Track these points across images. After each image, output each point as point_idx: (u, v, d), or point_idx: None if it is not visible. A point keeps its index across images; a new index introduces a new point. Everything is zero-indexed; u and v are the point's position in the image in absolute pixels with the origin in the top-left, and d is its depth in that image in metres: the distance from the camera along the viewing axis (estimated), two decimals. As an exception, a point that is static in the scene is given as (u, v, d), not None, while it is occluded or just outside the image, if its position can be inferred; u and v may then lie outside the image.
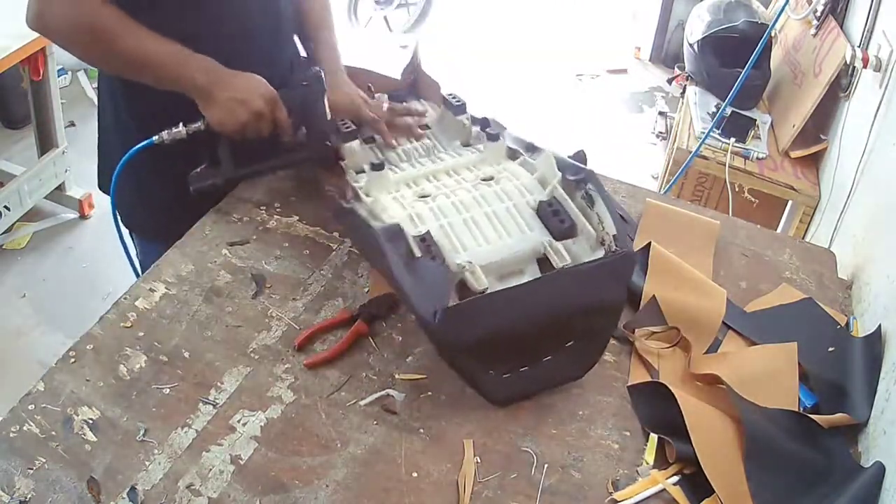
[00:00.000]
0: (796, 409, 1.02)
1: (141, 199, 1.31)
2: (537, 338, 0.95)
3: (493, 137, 1.19)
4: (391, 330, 1.06)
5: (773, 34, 2.39)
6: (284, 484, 0.86)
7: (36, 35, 1.34)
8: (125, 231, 1.32)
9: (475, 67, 3.97)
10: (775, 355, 1.09)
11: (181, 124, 1.13)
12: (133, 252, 1.34)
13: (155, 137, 1.13)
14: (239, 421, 0.92)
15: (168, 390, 0.94)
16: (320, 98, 1.16)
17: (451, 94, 1.27)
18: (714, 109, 2.29)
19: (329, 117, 1.18)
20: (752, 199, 2.16)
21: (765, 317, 1.19)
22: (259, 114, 1.12)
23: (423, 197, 1.08)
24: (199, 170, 1.16)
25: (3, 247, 2.54)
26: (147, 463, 0.86)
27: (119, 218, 1.31)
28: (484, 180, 1.11)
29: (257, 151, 1.19)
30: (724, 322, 1.14)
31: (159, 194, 1.30)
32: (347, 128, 1.20)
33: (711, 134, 2.21)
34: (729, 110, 2.24)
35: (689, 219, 1.36)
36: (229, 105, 1.11)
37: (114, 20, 1.06)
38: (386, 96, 1.34)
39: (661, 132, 3.46)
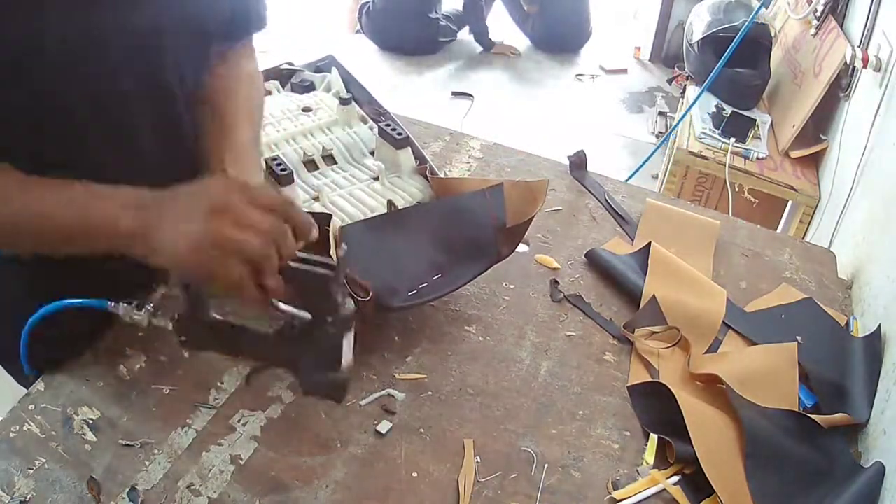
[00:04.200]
0: (796, 409, 1.02)
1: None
2: (423, 256, 1.07)
3: (346, 101, 1.30)
4: (391, 330, 1.06)
5: (772, 34, 2.39)
6: (284, 484, 0.86)
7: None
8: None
9: (474, 67, 3.98)
10: (775, 355, 1.09)
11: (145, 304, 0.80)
12: None
13: (110, 303, 0.78)
14: (239, 421, 0.92)
15: (168, 390, 0.94)
16: (339, 338, 0.74)
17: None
18: (714, 109, 2.30)
19: (345, 364, 0.75)
20: (752, 199, 2.17)
21: (765, 317, 1.19)
22: (245, 219, 0.65)
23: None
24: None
25: (3, 247, 2.54)
26: (147, 463, 0.86)
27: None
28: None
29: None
30: (724, 322, 1.14)
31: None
32: (283, 170, 1.09)
33: (712, 134, 2.21)
34: (729, 110, 2.25)
35: (689, 219, 1.36)
36: (181, 241, 0.66)
37: None
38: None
39: (661, 132, 3.46)
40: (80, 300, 0.81)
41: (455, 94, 3.70)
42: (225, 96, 0.92)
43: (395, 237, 1.06)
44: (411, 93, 3.66)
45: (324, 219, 0.99)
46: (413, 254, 1.05)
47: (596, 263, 1.23)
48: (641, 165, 2.63)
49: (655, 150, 2.61)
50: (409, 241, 1.07)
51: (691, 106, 2.26)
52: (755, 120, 2.25)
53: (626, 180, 1.66)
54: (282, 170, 1.10)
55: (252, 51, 1.01)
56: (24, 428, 0.87)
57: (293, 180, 1.11)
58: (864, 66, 1.81)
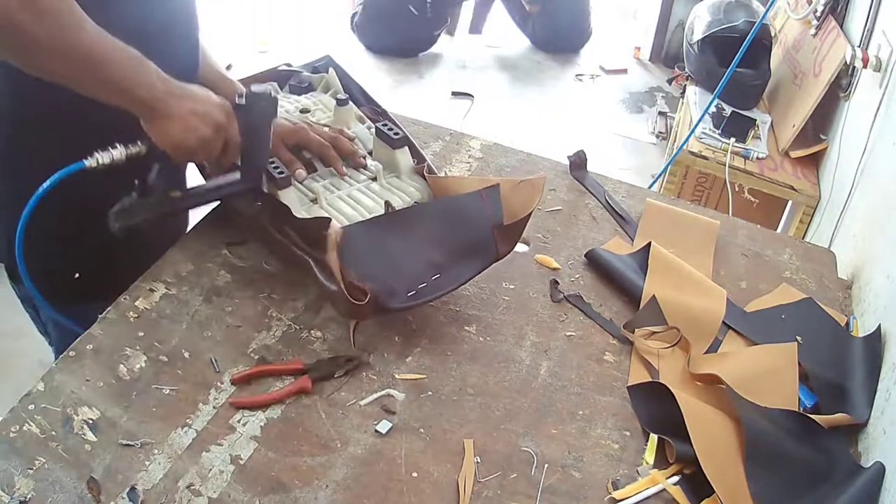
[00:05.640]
0: (796, 410, 1.02)
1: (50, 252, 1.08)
2: (422, 257, 1.07)
3: (342, 102, 1.30)
4: (391, 330, 1.06)
5: (772, 34, 2.39)
6: (284, 484, 0.86)
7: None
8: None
9: (475, 67, 3.98)
10: (775, 355, 1.09)
11: (118, 145, 0.94)
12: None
13: (86, 160, 0.93)
14: (239, 421, 0.92)
15: (168, 390, 0.94)
16: (268, 122, 1.04)
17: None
18: (714, 109, 2.30)
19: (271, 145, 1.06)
20: (752, 199, 2.17)
21: (765, 317, 1.19)
22: (219, 128, 0.97)
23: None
24: (122, 204, 0.97)
25: (3, 247, 2.54)
26: (147, 463, 0.86)
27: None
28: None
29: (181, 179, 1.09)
30: (724, 322, 1.14)
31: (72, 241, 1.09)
32: (281, 173, 1.09)
33: (712, 134, 2.21)
34: (729, 110, 2.25)
35: (689, 219, 1.36)
36: (189, 119, 0.93)
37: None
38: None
39: (660, 132, 3.47)
40: (57, 174, 0.94)
41: (455, 94, 3.70)
42: None
43: (392, 238, 1.06)
44: (411, 93, 3.66)
45: (322, 223, 0.99)
46: (411, 254, 1.05)
47: (596, 263, 1.23)
48: (661, 174, 2.60)
49: (675, 156, 2.49)
50: (407, 241, 1.07)
51: (704, 113, 2.24)
52: (755, 120, 2.25)
53: (657, 188, 1.61)
54: (279, 172, 1.09)
55: None
56: (24, 428, 0.87)
57: (290, 183, 1.10)
58: (864, 66, 1.81)
